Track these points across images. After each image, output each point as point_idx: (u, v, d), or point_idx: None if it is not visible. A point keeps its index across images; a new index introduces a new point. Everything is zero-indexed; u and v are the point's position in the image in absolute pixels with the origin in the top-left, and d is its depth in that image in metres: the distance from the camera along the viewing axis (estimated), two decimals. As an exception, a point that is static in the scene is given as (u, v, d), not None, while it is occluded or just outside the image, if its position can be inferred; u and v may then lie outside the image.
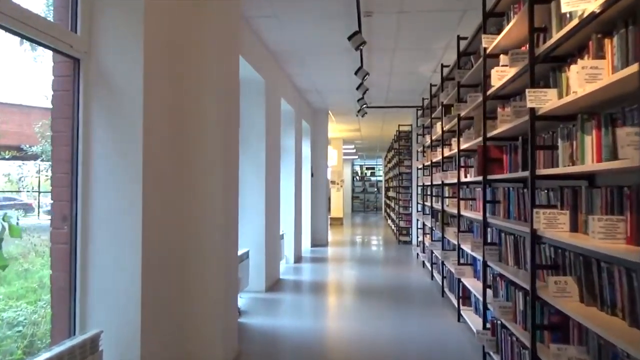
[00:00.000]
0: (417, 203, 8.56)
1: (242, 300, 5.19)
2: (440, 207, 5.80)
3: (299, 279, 6.66)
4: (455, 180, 4.75)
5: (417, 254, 8.38)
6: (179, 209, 3.04)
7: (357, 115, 9.71)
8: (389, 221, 15.50)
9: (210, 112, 3.15)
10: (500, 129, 3.13)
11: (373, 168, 26.03)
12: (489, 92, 3.47)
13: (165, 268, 2.85)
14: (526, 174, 2.63)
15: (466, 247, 4.23)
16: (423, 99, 7.59)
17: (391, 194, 14.56)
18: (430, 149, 6.58)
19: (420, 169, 7.98)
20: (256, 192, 5.63)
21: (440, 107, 5.66)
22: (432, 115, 6.46)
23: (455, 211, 4.77)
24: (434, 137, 6.36)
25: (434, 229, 6.36)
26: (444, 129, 5.38)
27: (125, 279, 2.50)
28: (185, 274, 3.08)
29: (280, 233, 7.61)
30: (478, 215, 3.84)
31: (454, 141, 4.92)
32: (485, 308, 3.59)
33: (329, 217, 16.31)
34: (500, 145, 3.45)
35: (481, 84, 3.71)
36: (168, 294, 2.90)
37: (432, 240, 6.50)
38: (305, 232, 9.78)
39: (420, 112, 8.48)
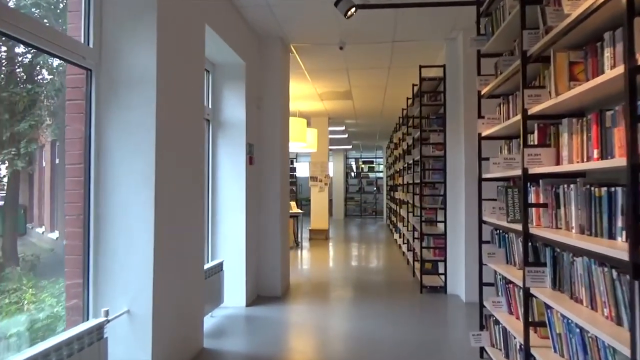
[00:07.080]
0: (480, 222, 3.59)
1: None
2: None
3: None
4: None
5: (484, 350, 3.42)
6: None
7: (339, 20, 4.79)
8: (396, 235, 10.49)
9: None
10: None
11: (372, 162, 21.01)
12: None
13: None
14: None
15: None
16: None
17: (399, 195, 9.51)
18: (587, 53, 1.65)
19: (500, 137, 3.03)
20: None
21: None
22: None
23: None
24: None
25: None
26: None
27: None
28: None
29: (121, 312, 2.66)
30: None
31: None
32: None
33: (309, 229, 11.34)
34: None
35: None
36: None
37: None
38: (237, 274, 4.82)
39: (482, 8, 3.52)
